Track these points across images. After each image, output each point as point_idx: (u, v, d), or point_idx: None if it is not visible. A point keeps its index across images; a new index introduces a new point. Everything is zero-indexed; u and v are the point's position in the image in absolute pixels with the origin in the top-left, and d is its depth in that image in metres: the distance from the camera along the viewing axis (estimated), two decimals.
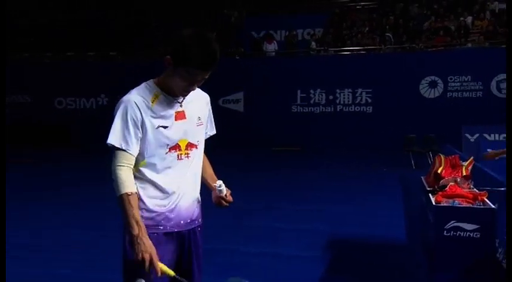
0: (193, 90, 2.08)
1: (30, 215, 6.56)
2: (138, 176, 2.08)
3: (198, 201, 2.27)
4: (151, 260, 1.95)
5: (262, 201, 7.21)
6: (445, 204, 3.25)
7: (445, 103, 12.22)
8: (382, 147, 11.98)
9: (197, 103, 2.20)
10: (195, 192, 2.23)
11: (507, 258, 2.61)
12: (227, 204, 2.20)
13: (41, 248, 5.09)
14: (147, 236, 1.98)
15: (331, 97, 13.42)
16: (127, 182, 2.00)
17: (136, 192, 2.02)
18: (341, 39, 14.51)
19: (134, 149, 2.04)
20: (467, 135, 10.19)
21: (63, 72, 14.74)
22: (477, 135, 10.13)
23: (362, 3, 16.12)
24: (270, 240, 5.20)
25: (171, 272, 2.00)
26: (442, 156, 4.30)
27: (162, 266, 1.96)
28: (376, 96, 12.98)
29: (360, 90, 13.17)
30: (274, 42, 14.86)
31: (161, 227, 2.10)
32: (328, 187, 8.33)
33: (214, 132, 2.35)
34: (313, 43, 14.26)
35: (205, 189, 2.32)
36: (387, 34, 13.61)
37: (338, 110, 13.39)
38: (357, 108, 13.25)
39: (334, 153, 12.21)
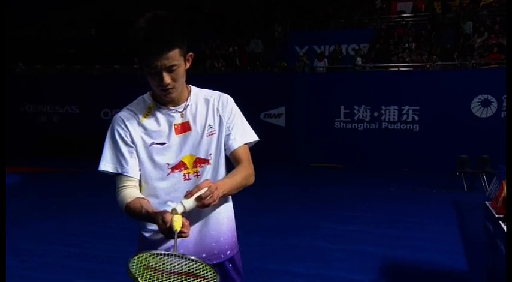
0: (168, 85, 1.66)
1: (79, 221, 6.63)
2: None
3: (224, 229, 1.84)
4: (167, 228, 1.53)
5: (307, 220, 6.99)
6: None
7: (499, 123, 11.63)
8: (430, 167, 11.51)
9: (205, 109, 1.82)
10: (213, 219, 1.81)
11: (507, 258, 2.41)
12: (205, 202, 1.58)
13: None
14: (158, 213, 1.59)
15: (376, 114, 13.07)
16: (124, 197, 1.72)
17: (136, 197, 1.70)
18: (387, 55, 14.17)
19: (132, 169, 1.74)
20: None
21: (110, 85, 15.12)
22: None
23: (410, 19, 15.74)
24: (318, 262, 4.98)
25: (177, 226, 1.53)
26: None
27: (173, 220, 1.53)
28: (424, 114, 12.53)
29: (406, 107, 12.77)
30: (325, 60, 14.72)
31: None
32: (373, 207, 8.00)
33: (247, 139, 1.84)
34: (358, 59, 13.99)
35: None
36: (434, 57, 13.19)
37: (383, 127, 13.02)
38: (403, 126, 12.83)
39: (379, 171, 11.83)
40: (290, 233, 6.18)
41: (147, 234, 1.81)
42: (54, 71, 16.30)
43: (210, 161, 1.79)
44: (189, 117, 1.78)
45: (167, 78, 1.65)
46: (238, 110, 1.88)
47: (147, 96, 1.82)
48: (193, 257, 1.57)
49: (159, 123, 1.76)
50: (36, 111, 15.91)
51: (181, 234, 1.54)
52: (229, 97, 1.88)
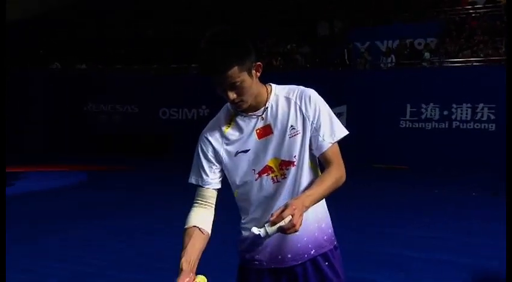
0: (234, 100, 1.68)
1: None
2: (238, 206, 1.89)
3: (309, 231, 1.81)
4: None
5: (378, 225, 6.44)
6: None
7: None
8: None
9: (287, 108, 1.77)
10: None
11: (507, 258, 2.32)
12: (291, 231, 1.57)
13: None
14: (181, 268, 1.63)
15: (445, 112, 12.19)
16: (188, 219, 1.79)
17: (194, 226, 1.75)
18: (459, 49, 13.19)
19: (212, 182, 1.82)
20: None
21: (168, 84, 15.21)
22: None
23: (483, 10, 14.61)
24: (402, 271, 4.47)
25: None
26: None
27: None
28: (501, 112, 11.50)
29: (481, 105, 11.79)
30: (392, 55, 14.00)
31: (257, 263, 1.84)
32: (448, 213, 7.29)
33: (335, 137, 1.78)
34: (426, 54, 13.13)
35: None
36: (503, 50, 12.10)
37: (454, 126, 12.10)
38: (477, 125, 11.86)
39: (449, 174, 10.95)
40: (363, 238, 5.68)
41: (240, 245, 1.93)
42: (108, 70, 16.57)
43: (294, 163, 1.77)
44: (270, 120, 1.76)
45: (231, 94, 1.67)
46: (323, 104, 1.79)
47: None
48: None
49: (241, 131, 1.79)
50: (97, 111, 16.23)
51: None
52: (312, 93, 1.80)
